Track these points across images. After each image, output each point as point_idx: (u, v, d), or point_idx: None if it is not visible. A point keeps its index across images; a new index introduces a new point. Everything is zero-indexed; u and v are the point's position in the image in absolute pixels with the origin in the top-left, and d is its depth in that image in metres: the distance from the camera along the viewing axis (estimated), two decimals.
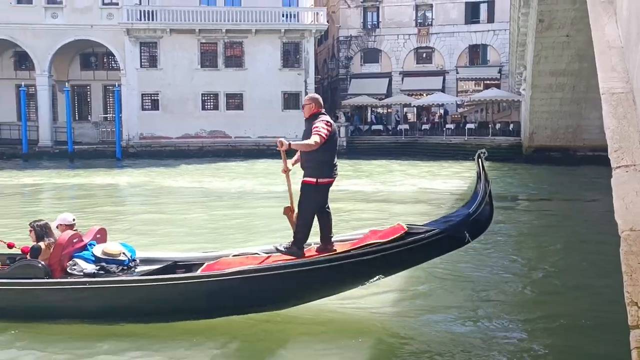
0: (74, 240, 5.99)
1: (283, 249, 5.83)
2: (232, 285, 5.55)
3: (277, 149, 5.45)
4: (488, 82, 38.85)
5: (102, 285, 5.72)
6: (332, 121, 5.80)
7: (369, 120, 40.11)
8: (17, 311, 5.86)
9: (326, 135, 5.58)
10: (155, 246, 9.00)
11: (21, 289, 5.76)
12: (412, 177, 21.53)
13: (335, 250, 5.79)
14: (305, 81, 33.60)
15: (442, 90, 38.28)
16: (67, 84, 32.95)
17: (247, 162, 28.09)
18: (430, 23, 39.78)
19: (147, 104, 33.26)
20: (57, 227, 6.26)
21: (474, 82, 39.93)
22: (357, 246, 5.71)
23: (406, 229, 5.57)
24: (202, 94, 33.20)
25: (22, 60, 34.97)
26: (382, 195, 17.22)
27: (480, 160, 5.28)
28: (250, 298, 5.68)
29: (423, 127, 36.18)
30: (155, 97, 33.13)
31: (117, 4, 32.61)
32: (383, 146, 34.33)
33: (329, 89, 44.30)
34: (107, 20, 32.44)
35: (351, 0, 40.28)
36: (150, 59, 33.16)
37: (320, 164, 5.69)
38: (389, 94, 39.46)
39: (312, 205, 5.76)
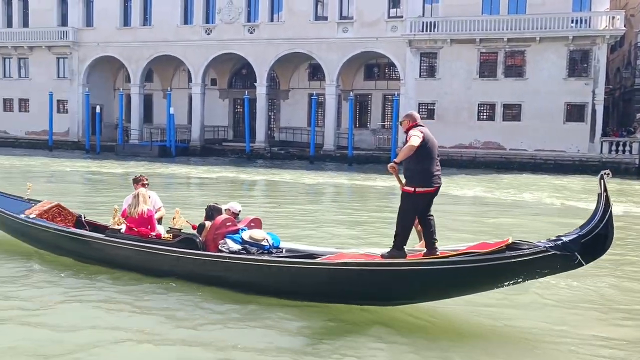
0: (227, 224, 7.07)
1: (386, 254, 6.21)
2: (333, 275, 6.15)
3: (390, 172, 6.00)
4: None
5: (233, 260, 6.68)
6: (425, 131, 6.11)
7: None
8: (174, 273, 7.12)
9: (419, 141, 5.98)
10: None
11: (177, 256, 7.04)
12: None
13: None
14: (594, 92, 30.78)
15: None
16: (351, 93, 35.45)
17: (524, 176, 26.86)
18: None
19: (423, 113, 33.97)
20: (224, 210, 7.36)
21: None
22: (455, 253, 5.86)
23: (510, 242, 5.60)
24: (478, 104, 32.72)
25: (315, 72, 38.72)
26: None
27: (602, 181, 5.18)
28: (348, 289, 6.17)
29: None
30: (432, 107, 33.67)
31: (401, 16, 34.02)
32: None
33: (621, 100, 39.94)
34: (391, 33, 34.04)
35: None
36: (429, 69, 33.82)
37: (417, 173, 6.05)
38: None
39: (410, 212, 6.16)
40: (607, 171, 5.23)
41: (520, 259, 5.41)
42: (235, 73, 41.65)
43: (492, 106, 32.54)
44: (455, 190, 20.95)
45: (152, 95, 42.48)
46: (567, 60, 31.19)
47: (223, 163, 31.48)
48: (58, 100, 40.34)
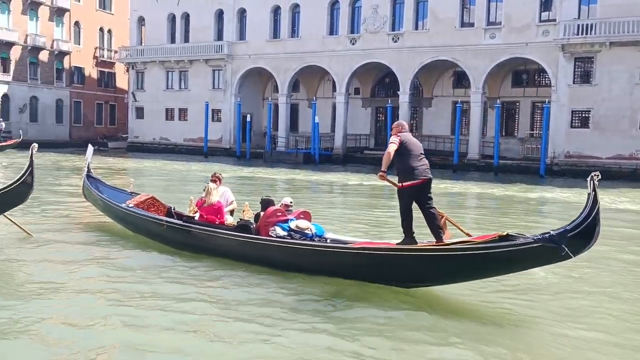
0: (278, 214, 8.14)
1: (400, 242, 7.09)
2: (353, 257, 7.13)
3: (382, 180, 6.77)
4: None
5: (276, 243, 7.76)
6: (402, 136, 7.05)
7: None
8: (230, 252, 8.35)
9: (394, 147, 6.94)
10: None
11: (232, 239, 8.24)
12: None
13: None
14: None
15: None
16: (497, 100, 34.20)
17: None
18: None
19: (576, 121, 31.94)
20: (280, 205, 8.40)
21: None
22: (452, 242, 6.60)
23: (505, 234, 6.22)
24: None
25: (460, 79, 37.87)
26: None
27: (592, 182, 5.62)
28: (363, 269, 7.08)
29: None
30: (586, 114, 31.52)
31: (553, 20, 32.28)
32: None
33: None
34: (542, 37, 32.41)
35: None
36: (584, 75, 31.72)
37: (402, 170, 7.03)
38: None
39: (403, 204, 7.09)
40: (597, 173, 5.67)
41: (509, 249, 5.98)
42: (378, 82, 41.94)
43: None
44: (630, 204, 19.40)
45: (298, 105, 44.06)
46: None
47: (364, 171, 31.76)
48: (213, 110, 43.17)
